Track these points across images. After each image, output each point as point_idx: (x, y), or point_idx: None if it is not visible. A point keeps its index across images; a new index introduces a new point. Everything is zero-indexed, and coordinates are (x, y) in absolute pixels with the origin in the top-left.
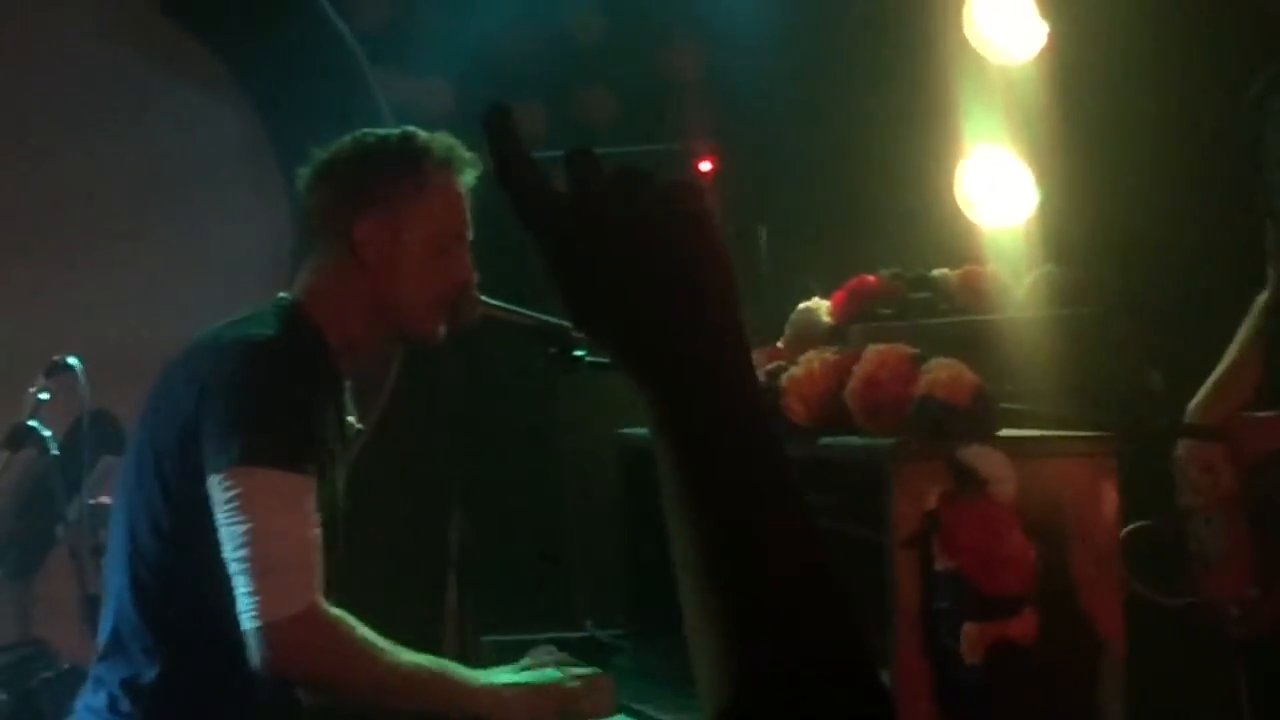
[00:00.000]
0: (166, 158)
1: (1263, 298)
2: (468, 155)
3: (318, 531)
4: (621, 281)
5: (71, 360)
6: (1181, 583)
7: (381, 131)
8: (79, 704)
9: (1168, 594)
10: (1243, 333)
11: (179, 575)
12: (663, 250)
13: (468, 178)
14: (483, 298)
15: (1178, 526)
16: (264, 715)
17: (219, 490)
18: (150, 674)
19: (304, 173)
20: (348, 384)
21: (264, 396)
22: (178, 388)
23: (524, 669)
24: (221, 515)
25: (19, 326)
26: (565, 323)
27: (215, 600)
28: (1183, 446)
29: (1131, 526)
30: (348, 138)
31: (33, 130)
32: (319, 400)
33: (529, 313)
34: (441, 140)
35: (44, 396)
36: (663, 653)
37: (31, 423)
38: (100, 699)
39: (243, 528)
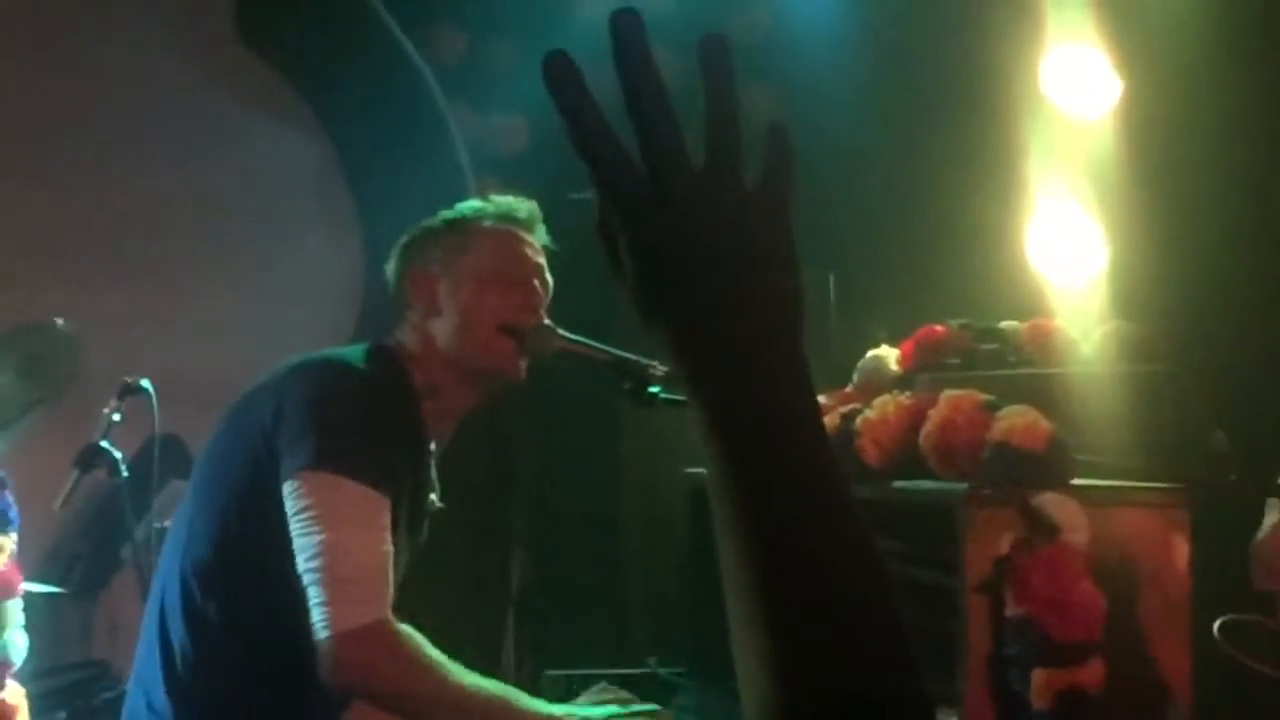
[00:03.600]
0: (243, 187)
1: None
2: (525, 211)
3: (390, 548)
4: (691, 275)
5: (144, 383)
6: None
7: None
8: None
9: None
10: None
11: (231, 587)
12: (739, 251)
13: (523, 227)
14: (559, 331)
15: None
16: None
17: (292, 499)
18: (193, 686)
19: (390, 256)
20: (433, 449)
21: (344, 410)
22: (256, 404)
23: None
24: (295, 525)
25: (94, 347)
26: (641, 359)
27: (264, 616)
28: (1265, 528)
29: (1225, 619)
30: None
31: (113, 156)
32: (400, 433)
33: (605, 348)
34: (500, 202)
35: (116, 418)
36: (724, 691)
37: (103, 443)
38: (139, 701)
39: (316, 538)
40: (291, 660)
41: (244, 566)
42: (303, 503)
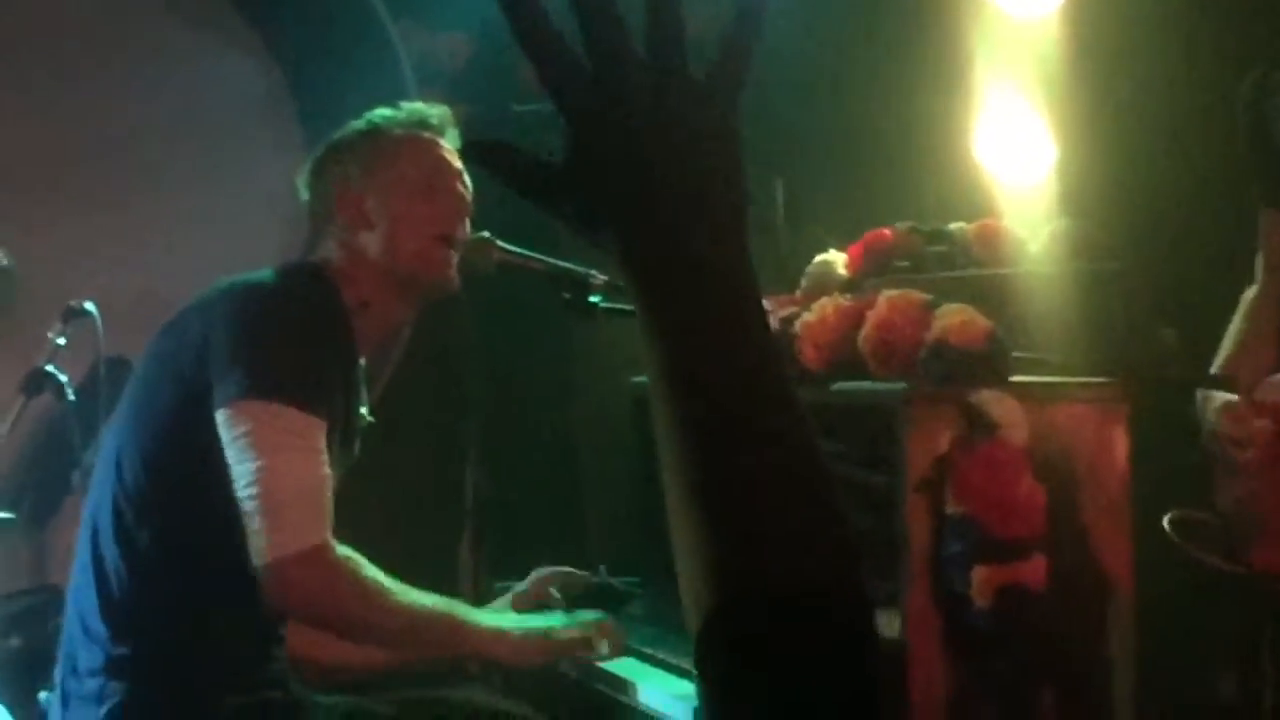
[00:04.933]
0: (188, 110)
1: (1251, 292)
2: (436, 116)
3: (327, 471)
4: (636, 174)
5: (89, 306)
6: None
7: (364, 119)
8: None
9: (1229, 561)
10: (1233, 329)
11: (165, 513)
12: (683, 155)
13: (437, 132)
14: (499, 243)
15: (1220, 510)
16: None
17: (226, 427)
18: (128, 611)
19: (301, 173)
20: (362, 364)
21: (274, 335)
22: (184, 329)
23: (517, 592)
24: (231, 453)
25: (37, 272)
26: (581, 269)
27: (197, 542)
28: (1209, 407)
29: (1174, 514)
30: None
31: (53, 80)
32: (331, 352)
33: (545, 259)
34: (409, 109)
35: (61, 342)
36: (676, 600)
37: (48, 368)
38: (75, 626)
39: (252, 465)
40: (226, 585)
41: (177, 493)
42: (237, 430)
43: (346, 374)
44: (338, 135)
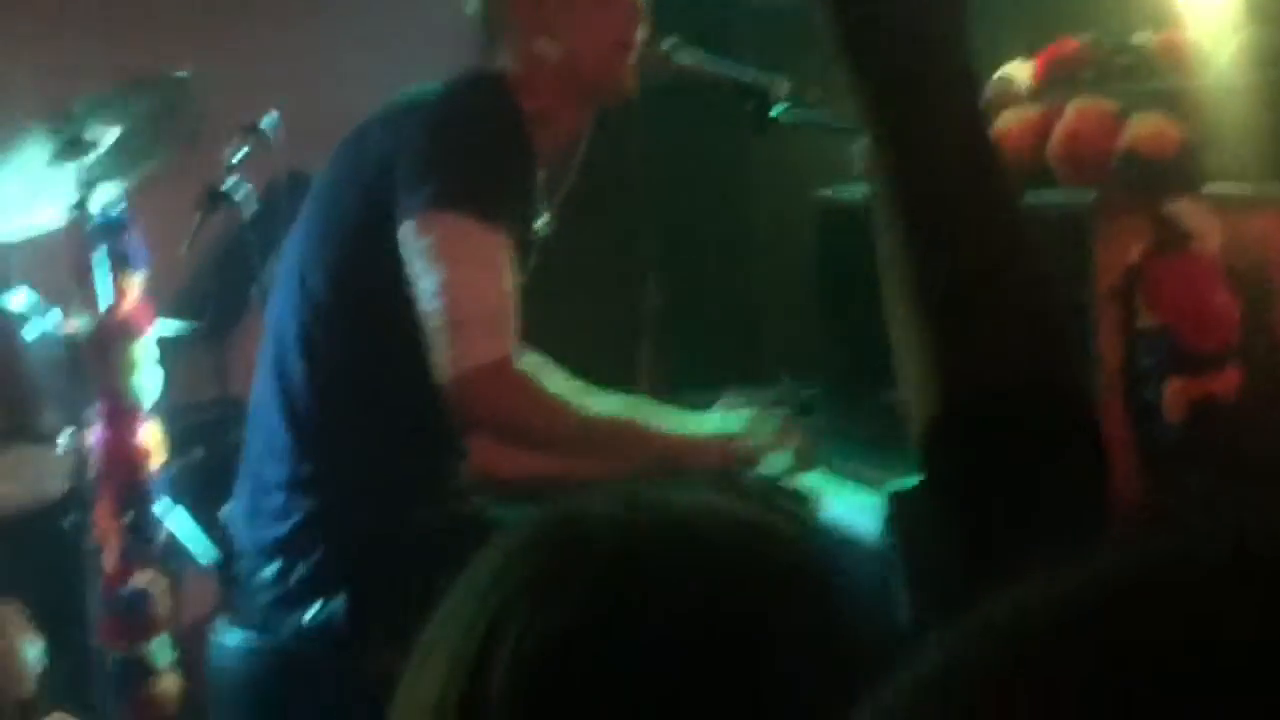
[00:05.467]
0: None
1: None
2: None
3: (512, 285)
4: None
5: (267, 122)
6: None
7: None
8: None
9: None
10: None
11: (349, 325)
12: None
13: None
14: (677, 53)
15: None
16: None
17: (412, 239)
18: (313, 423)
19: None
20: (541, 176)
21: (459, 148)
22: (369, 143)
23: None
24: (417, 266)
25: (216, 88)
26: (763, 78)
27: (382, 353)
28: None
29: None
30: None
31: None
32: (513, 166)
33: (725, 68)
34: None
35: (238, 158)
36: (858, 411)
37: (225, 185)
38: (258, 442)
39: (436, 278)
40: (411, 398)
41: (363, 305)
42: (423, 242)
43: (526, 186)
44: None
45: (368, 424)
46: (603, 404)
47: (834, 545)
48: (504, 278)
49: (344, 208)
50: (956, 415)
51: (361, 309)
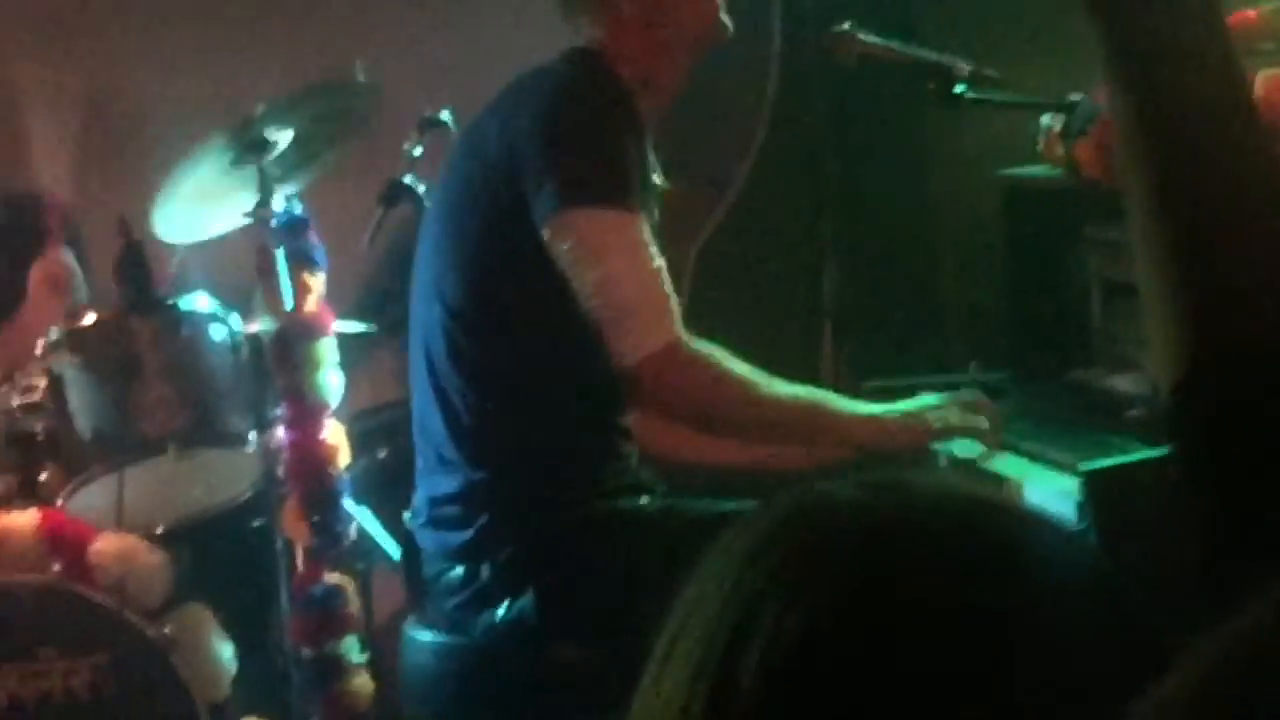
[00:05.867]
0: None
1: None
2: None
3: (661, 263)
4: None
5: (444, 115)
6: None
7: None
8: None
9: None
10: None
11: (494, 328)
12: None
13: None
14: (860, 35)
15: None
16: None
17: (555, 241)
18: (480, 432)
19: None
20: (649, 134)
21: (577, 137)
22: (485, 141)
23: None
24: (565, 265)
25: (394, 81)
26: (945, 58)
27: (533, 353)
28: None
29: None
30: None
31: None
32: (629, 141)
33: (908, 48)
34: None
35: (418, 152)
36: (1047, 394)
37: (406, 179)
38: (430, 457)
39: (590, 275)
40: (570, 392)
41: (506, 306)
42: (566, 243)
43: (642, 157)
44: None
45: (529, 426)
46: (785, 386)
47: (1060, 524)
48: (651, 258)
49: (471, 211)
50: (1209, 366)
51: (504, 313)
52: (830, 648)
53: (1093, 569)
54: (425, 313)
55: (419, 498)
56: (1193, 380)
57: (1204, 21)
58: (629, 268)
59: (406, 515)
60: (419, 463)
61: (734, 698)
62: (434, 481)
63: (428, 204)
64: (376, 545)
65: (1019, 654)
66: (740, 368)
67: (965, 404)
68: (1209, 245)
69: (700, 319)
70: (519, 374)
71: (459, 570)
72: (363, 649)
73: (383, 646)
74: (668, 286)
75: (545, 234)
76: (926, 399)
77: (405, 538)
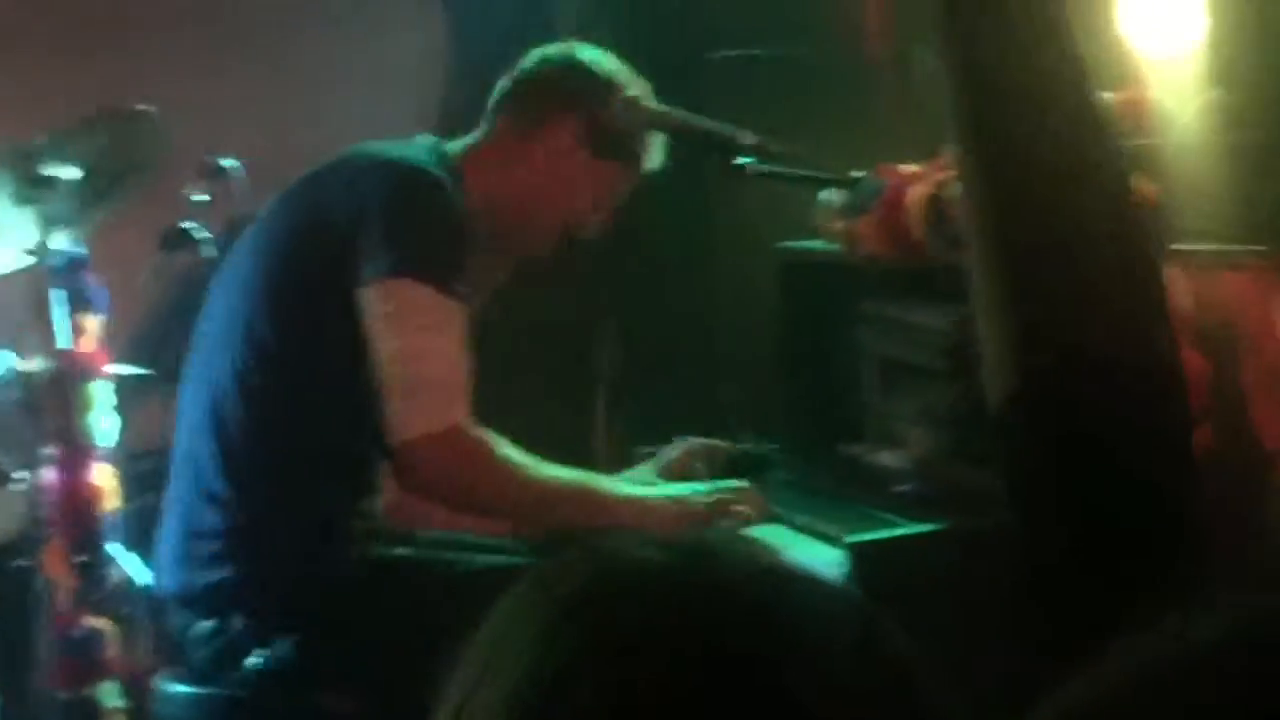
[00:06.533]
0: None
1: None
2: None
3: (466, 354)
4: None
5: (228, 162)
6: None
7: (597, 52)
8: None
9: None
10: None
11: (295, 378)
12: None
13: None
14: (644, 102)
15: None
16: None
17: (375, 302)
18: (254, 470)
19: (532, 58)
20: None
21: (426, 218)
22: (329, 198)
23: (664, 464)
24: (376, 329)
25: (177, 128)
26: (729, 129)
27: (327, 406)
28: None
29: None
30: (576, 48)
31: None
32: (468, 239)
33: (692, 117)
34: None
35: (201, 199)
36: (817, 466)
37: (187, 225)
38: (190, 489)
39: (395, 344)
40: (351, 447)
41: (313, 358)
42: (385, 307)
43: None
44: (591, 58)
45: (308, 472)
46: (553, 470)
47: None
48: (460, 346)
49: (301, 259)
50: (1041, 380)
51: (311, 362)
52: (652, 701)
53: (872, 632)
54: (220, 345)
55: (170, 536)
56: (1027, 390)
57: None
58: (437, 347)
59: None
60: (173, 497)
61: None
62: (190, 516)
63: (208, 251)
64: (143, 590)
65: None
66: (512, 454)
67: (731, 490)
68: (1040, 260)
69: (477, 379)
70: (307, 421)
71: (207, 623)
72: (122, 695)
73: (144, 693)
74: (466, 377)
75: (368, 293)
76: (692, 486)
77: (148, 595)
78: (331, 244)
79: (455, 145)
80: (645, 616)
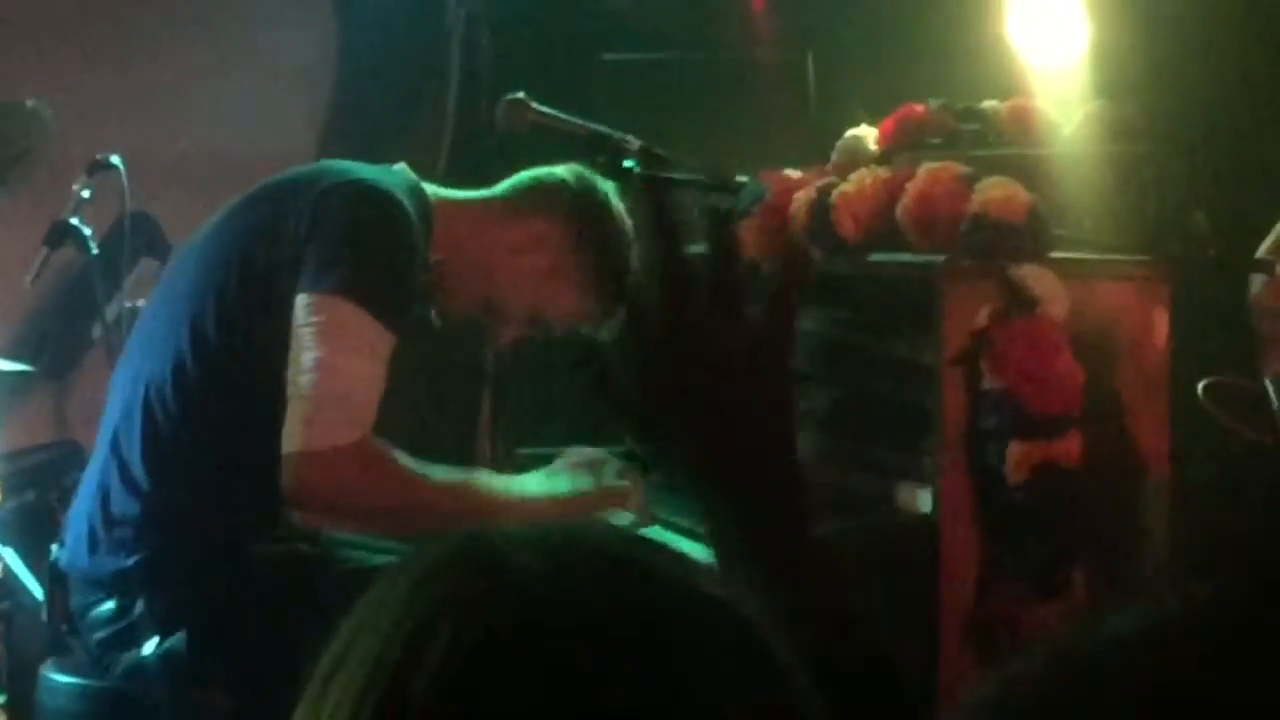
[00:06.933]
0: None
1: None
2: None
3: (382, 385)
4: (698, 403)
5: (114, 159)
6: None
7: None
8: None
9: (1263, 432)
10: None
11: (233, 372)
12: (740, 389)
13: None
14: (534, 104)
15: (1258, 377)
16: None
17: (306, 311)
18: (178, 462)
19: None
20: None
21: (379, 244)
22: (288, 208)
23: (557, 471)
24: (300, 335)
25: (62, 124)
26: (616, 133)
27: (257, 400)
28: (1257, 285)
29: (1209, 380)
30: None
31: None
32: (418, 280)
33: (580, 120)
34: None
35: (86, 195)
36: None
37: (73, 220)
38: (110, 472)
39: (314, 354)
40: (272, 445)
41: (249, 357)
42: (315, 318)
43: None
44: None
45: (229, 465)
46: (441, 473)
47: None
48: (381, 375)
49: (252, 261)
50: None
51: (245, 360)
52: (506, 661)
53: (730, 603)
54: (162, 336)
55: (84, 517)
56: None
57: None
58: (356, 367)
59: (54, 547)
60: (91, 484)
61: (405, 712)
62: (108, 501)
63: (93, 247)
64: (21, 586)
65: (670, 678)
66: (405, 462)
67: (615, 486)
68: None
69: None
70: (235, 415)
71: (110, 604)
72: (1, 691)
73: (21, 689)
74: (376, 400)
75: (304, 299)
76: (580, 481)
77: (52, 571)
78: (284, 249)
79: (434, 188)
80: (501, 575)
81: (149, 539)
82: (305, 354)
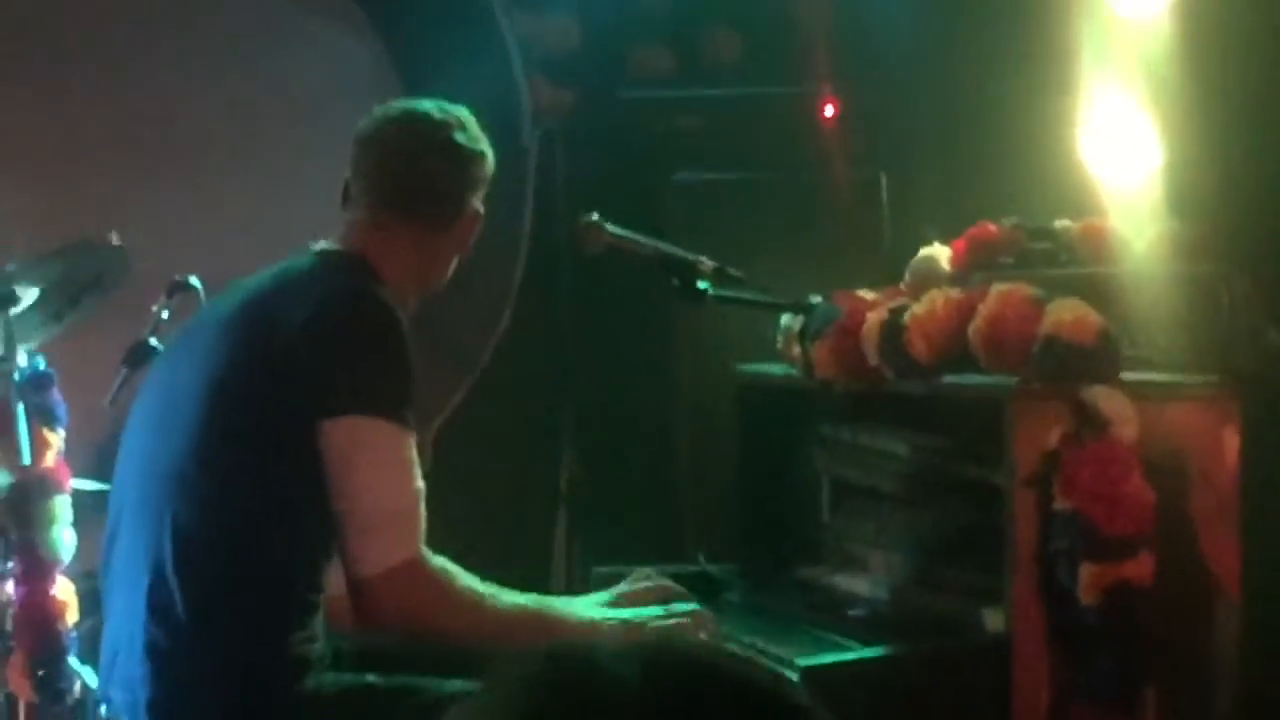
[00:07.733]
0: (295, 89)
1: None
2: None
3: (421, 484)
4: None
5: (193, 280)
6: None
7: (475, 134)
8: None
9: None
10: None
11: (230, 512)
12: None
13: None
14: (608, 226)
15: None
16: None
17: (330, 436)
18: (186, 617)
19: (420, 139)
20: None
21: (383, 354)
22: (278, 327)
23: (621, 593)
24: (333, 465)
25: (144, 245)
26: (690, 255)
27: (281, 535)
28: None
29: None
30: (458, 123)
31: (164, 61)
32: (410, 357)
33: (654, 243)
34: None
35: (165, 315)
36: (771, 588)
37: (152, 340)
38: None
39: (350, 480)
40: (301, 568)
41: (265, 485)
42: (339, 445)
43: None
44: (469, 132)
45: (259, 593)
46: (509, 597)
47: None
48: (414, 477)
49: (249, 392)
50: None
51: (269, 489)
52: None
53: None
54: (166, 453)
55: (110, 651)
56: None
57: None
58: (391, 481)
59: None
60: (113, 615)
61: None
62: (133, 633)
63: None
64: (98, 703)
65: None
66: (468, 583)
67: (685, 613)
68: None
69: (438, 494)
70: (258, 541)
71: None
72: None
73: None
74: (421, 508)
75: (322, 427)
76: (647, 610)
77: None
78: (286, 381)
79: (352, 242)
80: (599, 687)
81: (180, 668)
82: (340, 483)
